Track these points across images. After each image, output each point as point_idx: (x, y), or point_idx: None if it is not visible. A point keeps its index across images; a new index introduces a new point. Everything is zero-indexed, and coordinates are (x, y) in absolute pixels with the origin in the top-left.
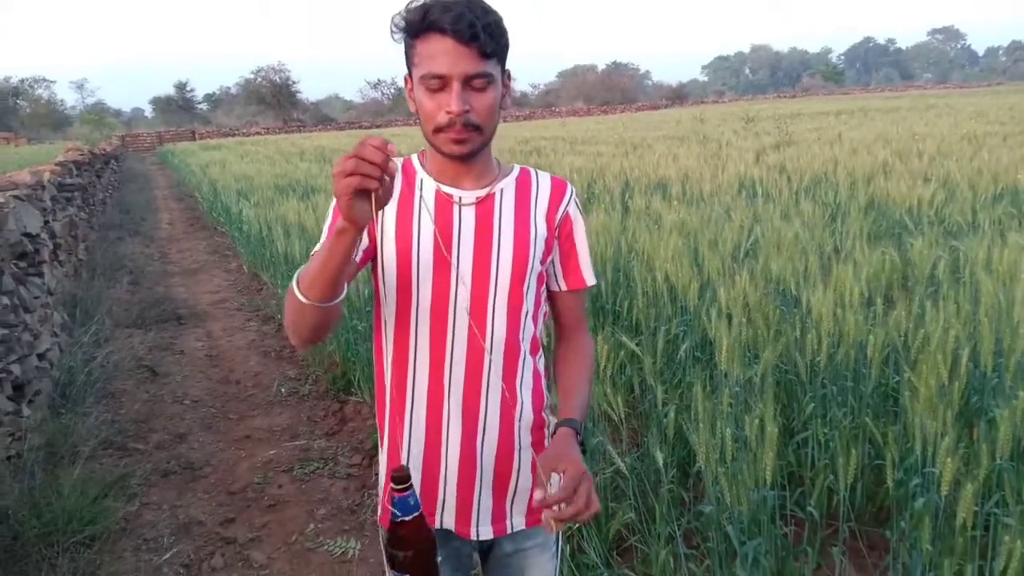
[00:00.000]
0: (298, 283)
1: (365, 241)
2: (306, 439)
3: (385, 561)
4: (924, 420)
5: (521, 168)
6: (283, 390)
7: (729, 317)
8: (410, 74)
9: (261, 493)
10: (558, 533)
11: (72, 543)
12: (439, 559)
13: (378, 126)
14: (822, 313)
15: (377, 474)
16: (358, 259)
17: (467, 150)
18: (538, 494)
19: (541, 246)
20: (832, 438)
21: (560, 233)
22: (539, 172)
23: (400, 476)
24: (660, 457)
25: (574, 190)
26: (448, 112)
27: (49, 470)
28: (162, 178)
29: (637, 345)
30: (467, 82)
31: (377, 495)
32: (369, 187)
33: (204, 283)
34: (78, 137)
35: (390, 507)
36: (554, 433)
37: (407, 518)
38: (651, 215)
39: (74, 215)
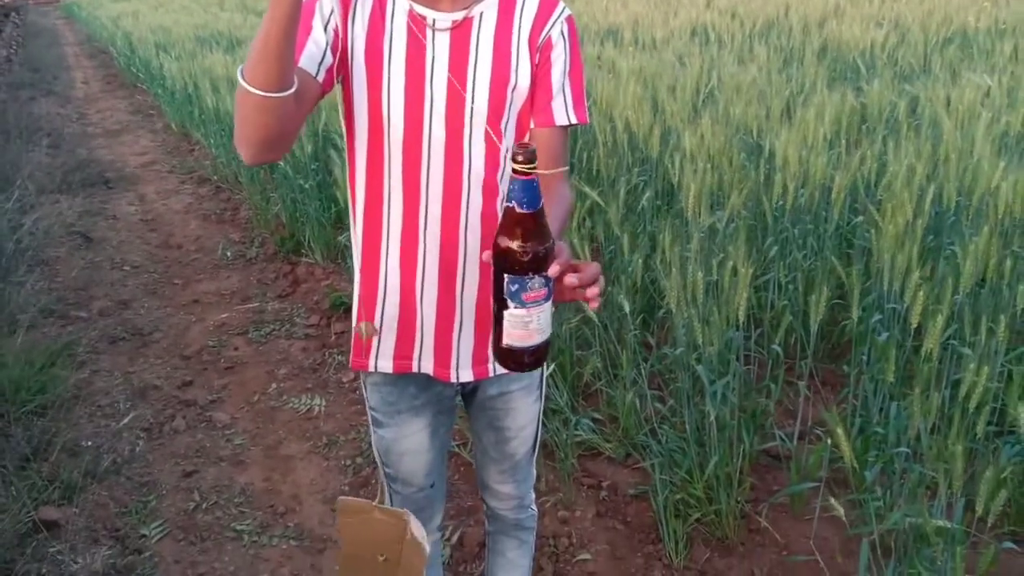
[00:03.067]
0: (242, 73)
1: (328, 57)
2: (259, 302)
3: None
4: (890, 257)
5: None
6: (228, 254)
7: (694, 163)
8: None
9: (217, 356)
10: (541, 373)
11: (23, 412)
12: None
13: None
14: (788, 156)
15: (336, 333)
16: (320, 77)
17: None
18: (571, 278)
19: (525, 73)
20: (793, 280)
21: (540, 58)
22: None
23: (529, 151)
24: (627, 305)
25: (566, 11)
26: None
27: None
28: (70, 33)
29: (599, 195)
30: None
31: (347, 351)
32: None
33: (129, 144)
34: None
35: (514, 197)
36: None
37: (529, 211)
38: (604, 63)
39: None
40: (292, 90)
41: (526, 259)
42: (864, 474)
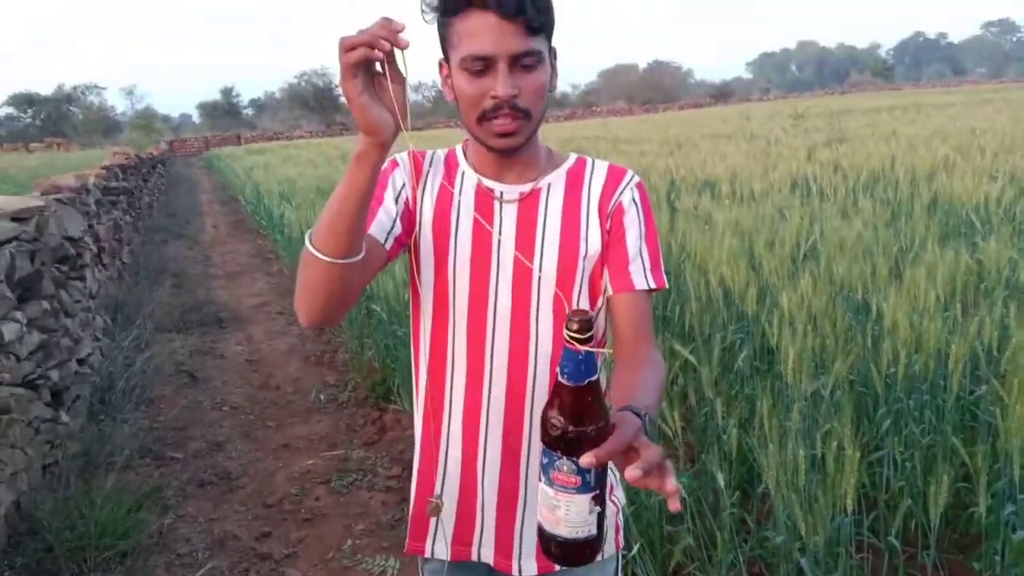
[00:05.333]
0: (311, 237)
1: (397, 227)
2: (344, 448)
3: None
4: (1019, 441)
5: (577, 158)
6: (322, 397)
7: (792, 324)
8: (446, 58)
9: (298, 506)
10: (617, 568)
11: (104, 558)
12: None
13: (418, 128)
14: (897, 320)
15: None
16: (388, 246)
17: (516, 142)
18: (633, 472)
19: (596, 243)
20: (910, 457)
21: (612, 224)
22: (596, 161)
23: (582, 319)
24: (721, 477)
25: (635, 178)
26: (494, 97)
27: (84, 479)
28: (207, 182)
29: (691, 353)
30: (514, 62)
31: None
32: (376, 54)
33: (246, 286)
34: (127, 142)
35: (560, 365)
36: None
37: (569, 383)
38: (700, 215)
39: (119, 218)
40: (359, 257)
41: (555, 434)
42: None
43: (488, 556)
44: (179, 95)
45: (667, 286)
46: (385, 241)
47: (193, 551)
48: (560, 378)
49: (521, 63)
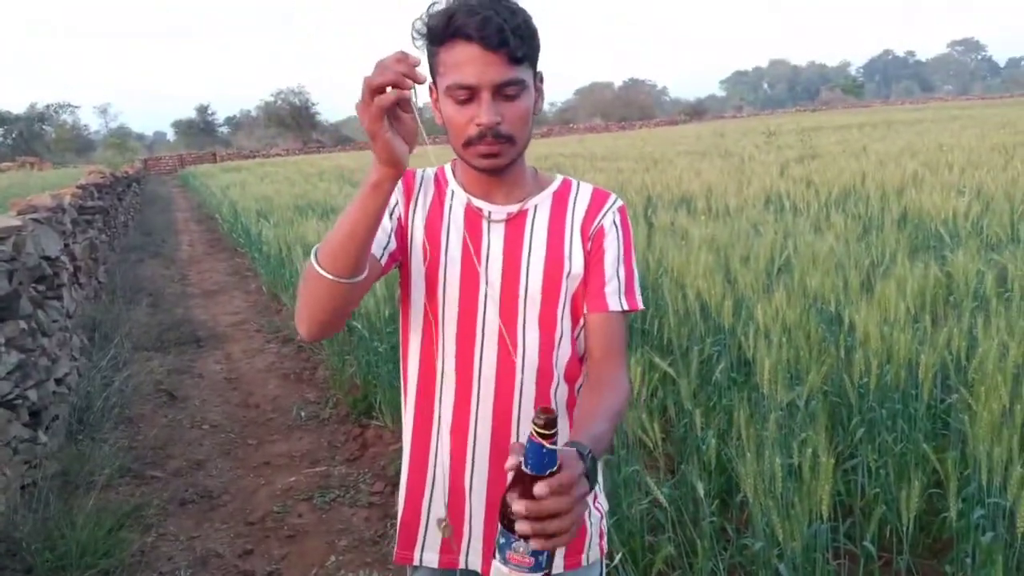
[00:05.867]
0: (317, 256)
1: (392, 243)
2: (326, 465)
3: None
4: (986, 447)
5: (563, 180)
6: (303, 414)
7: (768, 336)
8: (435, 83)
9: (280, 523)
10: (601, 569)
11: None
12: None
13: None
14: (868, 331)
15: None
16: (383, 261)
17: (500, 163)
18: (511, 460)
19: (578, 263)
20: (883, 465)
21: (592, 246)
22: (582, 183)
23: (548, 418)
24: (700, 487)
25: (618, 202)
26: (478, 124)
27: (64, 499)
28: (183, 200)
29: (670, 365)
30: (497, 91)
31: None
32: (406, 93)
33: (223, 304)
34: (101, 161)
35: (523, 456)
36: None
37: (531, 473)
38: (677, 231)
39: (95, 237)
40: (363, 276)
41: (515, 518)
42: None
43: (476, 563)
44: (153, 113)
45: (641, 307)
46: (381, 257)
47: (176, 569)
48: (523, 467)
49: (504, 92)
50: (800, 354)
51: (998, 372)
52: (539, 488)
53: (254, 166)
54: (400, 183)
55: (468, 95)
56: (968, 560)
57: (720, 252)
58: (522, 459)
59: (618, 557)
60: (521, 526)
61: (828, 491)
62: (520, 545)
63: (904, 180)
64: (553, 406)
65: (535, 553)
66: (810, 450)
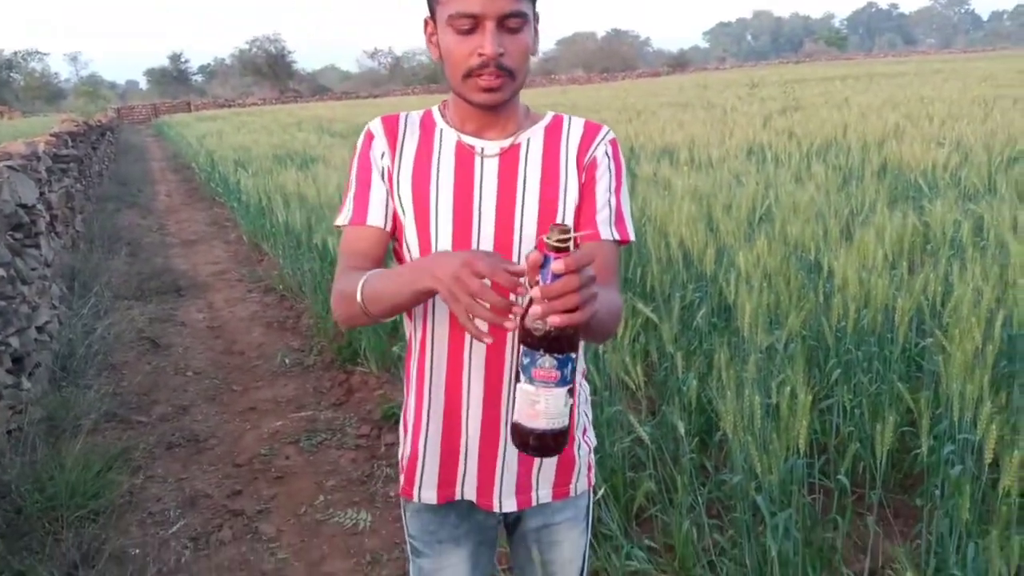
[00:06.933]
0: (363, 295)
1: (390, 204)
2: (312, 410)
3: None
4: (959, 385)
5: (554, 115)
6: (287, 361)
7: (748, 282)
8: (432, 16)
9: (268, 465)
10: (588, 504)
11: (76, 517)
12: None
13: (375, 96)
14: (847, 277)
15: (386, 444)
16: (389, 227)
17: (500, 98)
18: (531, 255)
19: (573, 196)
20: (858, 404)
21: (586, 177)
22: (573, 117)
23: (563, 230)
24: (681, 426)
25: (610, 134)
26: (481, 54)
27: (51, 443)
28: (158, 150)
29: (652, 311)
30: (501, 22)
31: (395, 463)
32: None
33: (203, 254)
34: (73, 110)
35: (540, 273)
36: None
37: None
38: (660, 181)
39: (70, 186)
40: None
41: (538, 334)
42: None
43: (471, 494)
44: (125, 62)
45: (632, 239)
46: (386, 224)
47: (165, 509)
48: (543, 282)
49: (507, 24)
50: (780, 299)
51: (972, 315)
52: (557, 264)
53: (230, 115)
54: (383, 129)
55: (471, 24)
56: (937, 492)
57: (703, 202)
58: (538, 276)
59: (600, 492)
60: (537, 308)
61: (805, 427)
62: (546, 360)
63: (885, 132)
64: None
65: (560, 365)
66: (788, 389)
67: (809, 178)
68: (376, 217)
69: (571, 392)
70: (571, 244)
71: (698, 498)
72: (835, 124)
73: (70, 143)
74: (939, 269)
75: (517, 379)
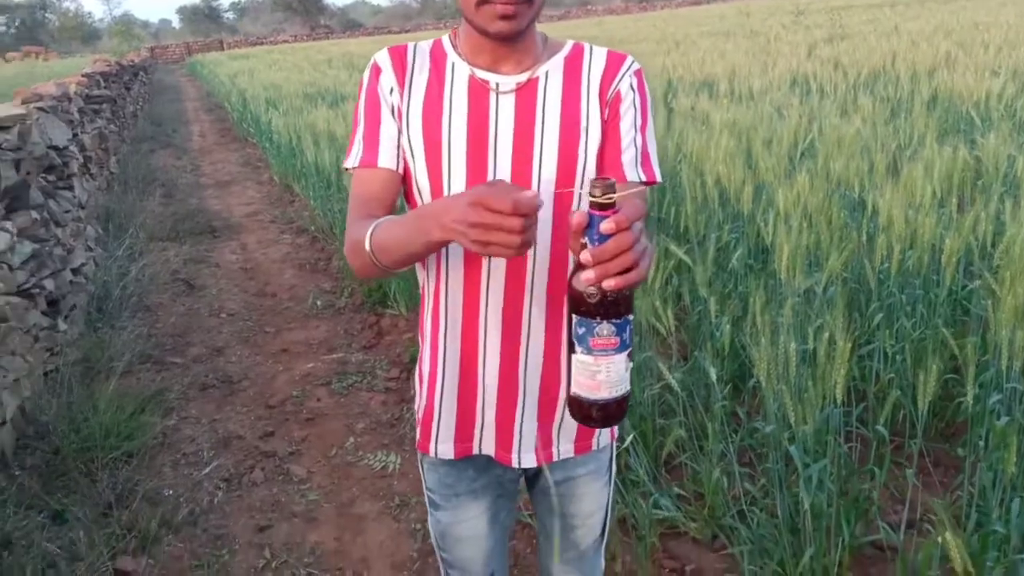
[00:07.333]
0: (372, 245)
1: (402, 144)
2: (343, 352)
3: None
4: (1008, 332)
5: (574, 44)
6: (319, 303)
7: (787, 222)
8: None
9: (300, 407)
10: (611, 456)
11: (111, 459)
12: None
13: (407, 31)
14: (892, 215)
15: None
16: (401, 168)
17: (516, 27)
18: (576, 217)
19: (596, 134)
20: (900, 350)
21: (609, 112)
22: (595, 47)
23: (605, 185)
24: (713, 372)
25: (635, 64)
26: None
27: (86, 385)
28: (192, 89)
29: (686, 253)
30: None
31: (415, 412)
32: (509, 247)
33: (237, 195)
34: (107, 50)
35: (586, 234)
36: None
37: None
38: (698, 115)
39: (103, 127)
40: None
41: (593, 301)
42: None
43: (489, 449)
44: (157, 0)
45: (659, 180)
46: (398, 166)
47: (198, 450)
48: (592, 245)
49: None
50: (820, 240)
51: None
52: (607, 224)
53: (262, 53)
54: (390, 62)
55: None
56: (981, 443)
57: (742, 137)
58: (584, 238)
59: (629, 439)
60: (589, 273)
61: (843, 375)
62: (603, 327)
63: (936, 60)
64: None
65: (619, 330)
66: (826, 335)
67: (855, 110)
68: (387, 158)
69: (630, 355)
70: (614, 200)
71: (729, 446)
72: (883, 53)
73: (102, 84)
74: (991, 207)
75: (572, 350)
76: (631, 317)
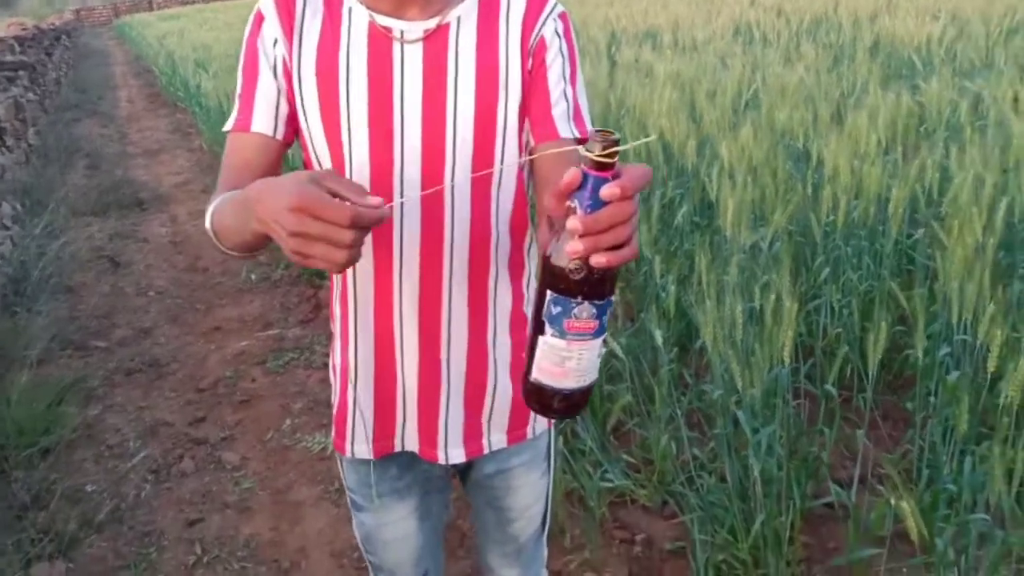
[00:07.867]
0: (212, 222)
1: (283, 107)
2: (280, 328)
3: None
4: (958, 283)
5: None
6: (253, 276)
7: (732, 176)
8: None
9: (233, 388)
10: (550, 442)
11: (26, 456)
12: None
13: None
14: (838, 166)
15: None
16: (280, 134)
17: None
18: (569, 175)
19: (516, 88)
20: (847, 304)
21: (533, 63)
22: None
23: (608, 139)
24: (659, 335)
25: (559, 6)
26: None
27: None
28: (120, 53)
29: None
30: None
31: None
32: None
33: (166, 164)
34: (27, 13)
35: (576, 198)
36: None
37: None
38: (641, 67)
39: (19, 96)
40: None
41: (577, 278)
42: (935, 540)
43: (412, 445)
44: None
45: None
46: (275, 131)
47: (124, 441)
48: (581, 211)
49: None
50: (766, 193)
51: (972, 205)
52: (609, 188)
53: (193, 12)
54: (275, 8)
55: None
56: (931, 398)
57: (685, 88)
58: (573, 202)
59: None
60: (576, 244)
61: (790, 336)
62: (583, 309)
63: (878, 6)
64: (492, 270)
65: (599, 313)
66: (773, 295)
67: (798, 58)
68: (263, 122)
69: (605, 341)
70: (617, 159)
71: (677, 410)
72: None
73: (17, 49)
74: (935, 153)
75: (539, 332)
76: (613, 299)
